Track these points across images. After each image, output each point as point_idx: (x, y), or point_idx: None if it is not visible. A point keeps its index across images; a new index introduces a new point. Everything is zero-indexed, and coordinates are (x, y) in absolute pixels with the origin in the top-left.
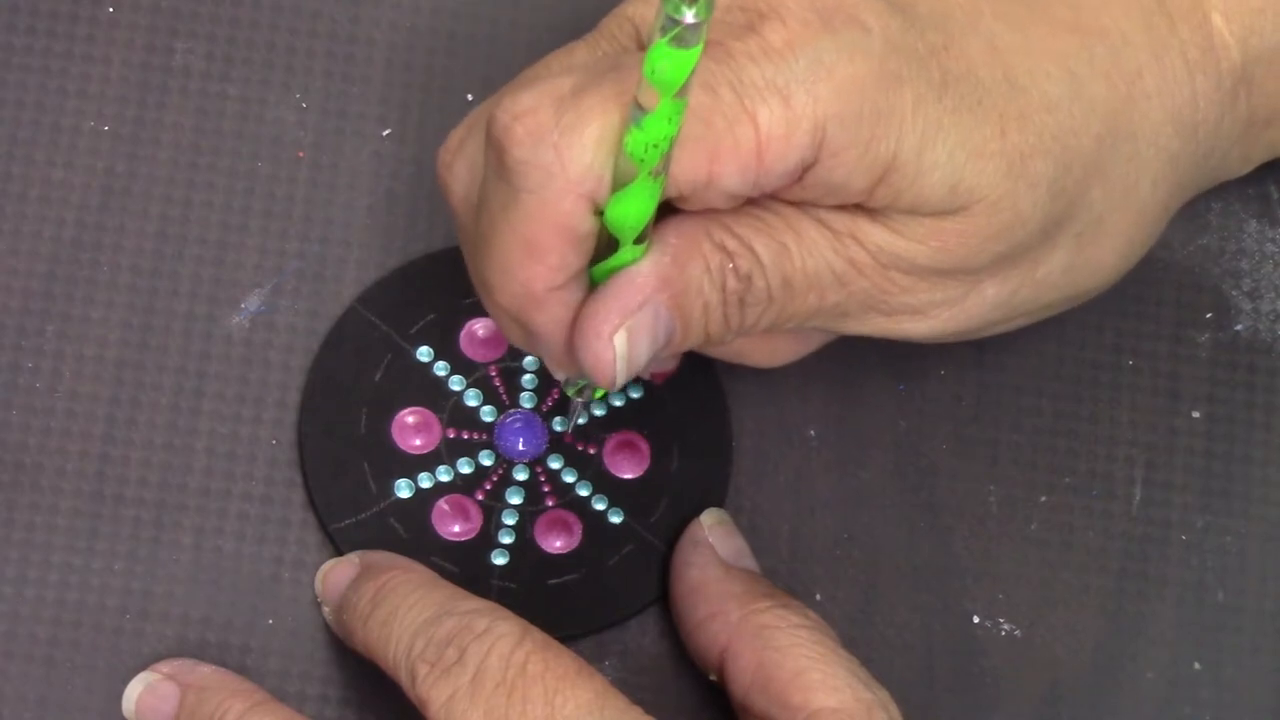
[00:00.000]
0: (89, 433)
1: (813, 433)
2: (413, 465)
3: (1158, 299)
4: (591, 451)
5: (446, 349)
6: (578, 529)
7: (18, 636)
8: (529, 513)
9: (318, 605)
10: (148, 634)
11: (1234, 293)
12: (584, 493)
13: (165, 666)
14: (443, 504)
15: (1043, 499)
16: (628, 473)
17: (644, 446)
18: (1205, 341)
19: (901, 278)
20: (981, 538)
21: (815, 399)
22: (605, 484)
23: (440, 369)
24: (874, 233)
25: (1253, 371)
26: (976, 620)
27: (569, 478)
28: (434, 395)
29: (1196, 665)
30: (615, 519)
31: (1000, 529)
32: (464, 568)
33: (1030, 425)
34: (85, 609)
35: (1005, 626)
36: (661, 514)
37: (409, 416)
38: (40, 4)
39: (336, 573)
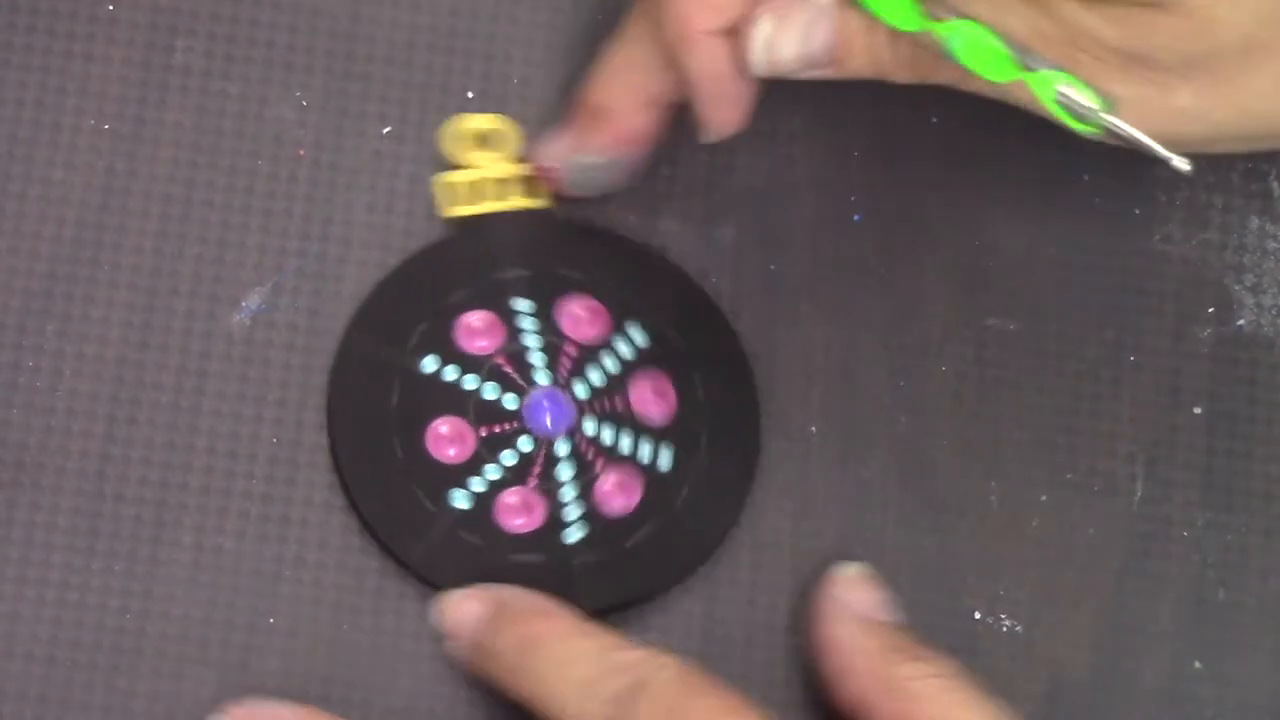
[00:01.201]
0: (89, 433)
1: (813, 430)
2: (459, 474)
3: (1159, 294)
4: (618, 403)
5: (448, 352)
6: (636, 485)
7: (18, 636)
8: (584, 482)
9: (318, 605)
10: (148, 634)
11: (1236, 287)
12: (626, 449)
13: (239, 711)
14: (504, 500)
15: (1043, 496)
16: (659, 416)
17: (667, 385)
18: (1207, 337)
19: (1087, 58)
20: (982, 535)
21: (816, 396)
22: (643, 433)
23: (450, 373)
24: (1066, 6)
25: (1255, 367)
26: (978, 616)
27: (608, 439)
28: (454, 400)
29: (1196, 664)
30: (665, 465)
31: (1001, 526)
32: (544, 556)
33: (1031, 422)
34: (85, 609)
35: (1006, 623)
36: (705, 449)
37: (441, 427)
38: (40, 3)
39: (464, 609)
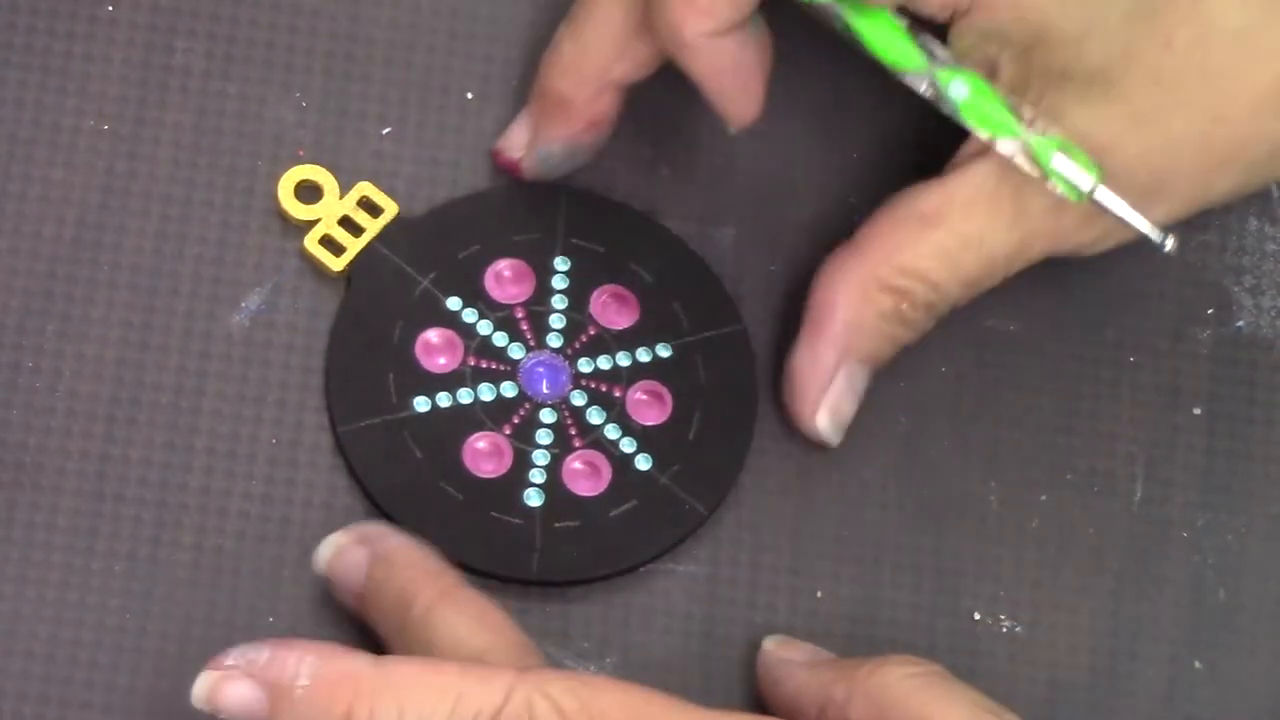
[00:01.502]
0: (89, 433)
1: None
2: (433, 383)
3: (1159, 295)
4: (617, 394)
5: (473, 293)
6: (606, 474)
7: (18, 636)
8: (556, 455)
9: (318, 605)
10: (148, 633)
11: (1235, 289)
12: (609, 438)
13: (358, 530)
14: (477, 443)
15: (1043, 497)
16: (652, 419)
17: (668, 394)
18: (1206, 338)
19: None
20: (982, 535)
21: None
22: (631, 428)
23: (469, 315)
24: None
25: (1254, 368)
26: (977, 617)
27: (595, 420)
28: (459, 329)
29: (1196, 664)
30: (643, 465)
31: (1001, 526)
32: (502, 507)
33: (1031, 423)
34: (85, 609)
35: (1006, 623)
36: (692, 440)
37: (433, 335)
38: (40, 3)
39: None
